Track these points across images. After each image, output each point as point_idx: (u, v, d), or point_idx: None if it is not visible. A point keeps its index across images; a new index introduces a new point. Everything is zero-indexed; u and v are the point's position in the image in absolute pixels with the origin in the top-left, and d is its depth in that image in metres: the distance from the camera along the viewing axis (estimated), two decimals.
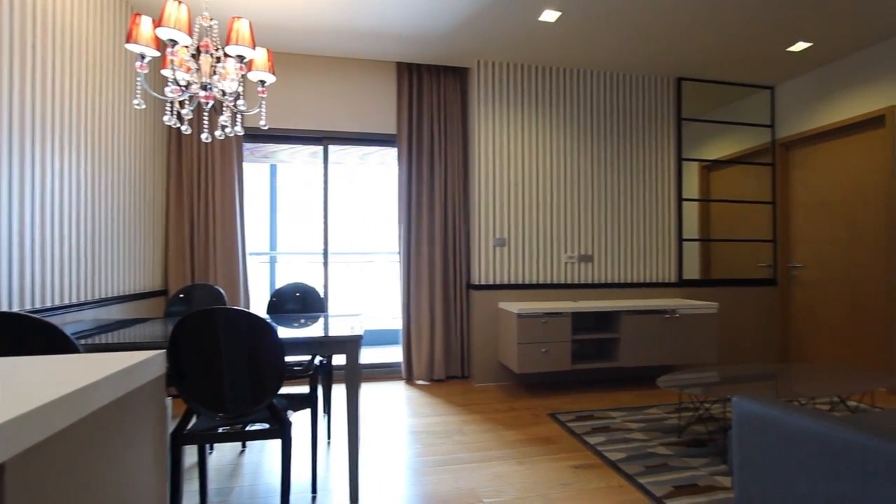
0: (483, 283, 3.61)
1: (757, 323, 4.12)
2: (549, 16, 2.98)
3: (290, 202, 5.67)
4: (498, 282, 3.64)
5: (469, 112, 3.79)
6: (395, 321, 5.08)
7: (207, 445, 1.96)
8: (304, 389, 3.37)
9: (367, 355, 4.37)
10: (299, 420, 2.82)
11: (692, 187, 4.08)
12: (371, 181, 5.82)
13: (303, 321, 2.24)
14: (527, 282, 3.69)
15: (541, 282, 3.72)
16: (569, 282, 3.77)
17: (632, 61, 3.69)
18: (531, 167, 3.73)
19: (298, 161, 3.86)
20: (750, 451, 1.48)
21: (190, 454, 2.37)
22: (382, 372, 3.85)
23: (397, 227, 3.73)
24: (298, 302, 2.84)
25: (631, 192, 3.93)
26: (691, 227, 4.06)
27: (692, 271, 4.03)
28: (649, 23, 3.09)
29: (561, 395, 3.34)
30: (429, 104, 3.74)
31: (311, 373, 2.31)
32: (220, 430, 1.64)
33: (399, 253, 3.71)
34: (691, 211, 4.07)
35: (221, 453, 2.34)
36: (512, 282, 3.67)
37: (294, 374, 2.31)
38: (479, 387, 3.54)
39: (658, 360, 3.41)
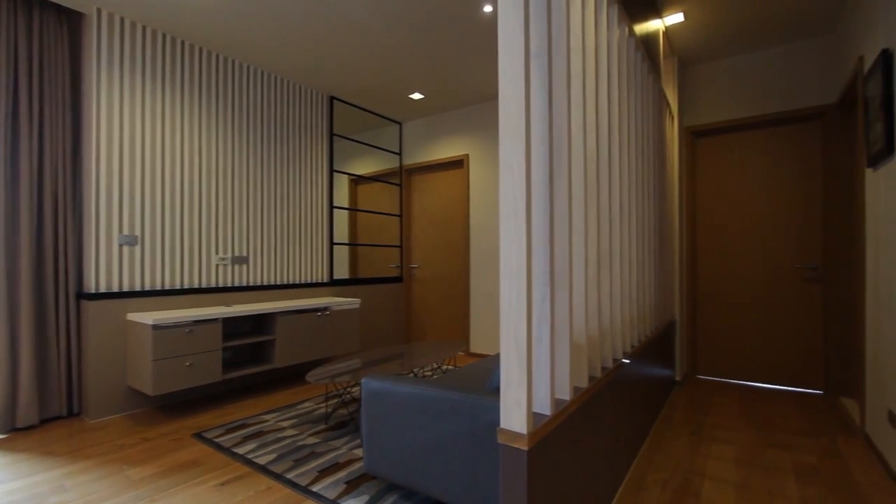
0: (103, 290, 2.88)
1: (389, 313, 5.02)
2: None
3: None
4: (126, 288, 2.98)
5: (84, 73, 2.94)
6: None
7: None
8: None
9: None
10: None
11: (343, 197, 4.58)
12: None
13: None
14: (168, 287, 3.19)
15: (186, 286, 3.29)
16: (221, 285, 3.50)
17: (288, 68, 3.79)
18: (175, 157, 3.25)
19: None
20: (374, 421, 1.79)
21: None
22: None
23: None
24: None
25: (287, 195, 4.02)
26: (342, 233, 4.55)
27: (342, 272, 4.52)
28: (302, 37, 3.26)
29: (210, 409, 3.05)
30: (9, 43, 2.67)
31: None
32: None
33: None
34: (342, 218, 4.56)
35: None
36: (147, 288, 3.08)
37: None
38: (97, 423, 2.79)
39: (311, 356, 3.63)
